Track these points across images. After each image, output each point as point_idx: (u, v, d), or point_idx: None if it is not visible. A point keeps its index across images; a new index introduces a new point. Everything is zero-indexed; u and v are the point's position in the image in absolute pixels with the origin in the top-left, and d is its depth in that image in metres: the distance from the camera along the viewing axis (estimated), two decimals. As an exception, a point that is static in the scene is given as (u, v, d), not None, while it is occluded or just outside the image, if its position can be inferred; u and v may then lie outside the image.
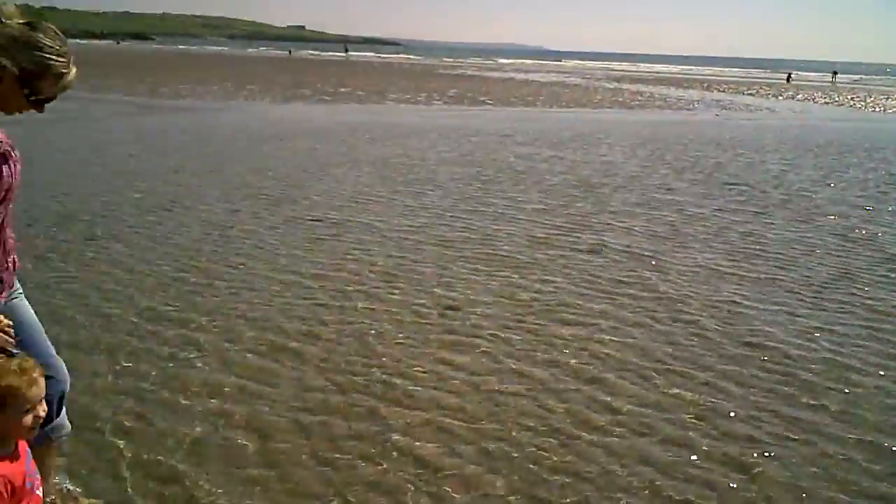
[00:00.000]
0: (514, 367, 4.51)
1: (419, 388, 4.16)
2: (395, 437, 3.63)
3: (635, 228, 8.11)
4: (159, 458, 3.39)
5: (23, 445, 2.24)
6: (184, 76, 35.18)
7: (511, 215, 8.53)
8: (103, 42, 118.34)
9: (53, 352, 2.80)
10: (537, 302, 5.62)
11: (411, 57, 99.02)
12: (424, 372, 4.38)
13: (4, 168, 2.42)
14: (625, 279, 6.28)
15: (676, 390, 4.25)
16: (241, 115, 19.57)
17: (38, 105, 2.42)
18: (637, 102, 32.51)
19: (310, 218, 8.00)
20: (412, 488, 3.24)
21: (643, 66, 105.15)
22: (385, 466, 3.39)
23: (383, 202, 8.99)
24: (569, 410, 3.97)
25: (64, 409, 2.84)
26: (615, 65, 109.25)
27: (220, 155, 12.26)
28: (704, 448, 3.64)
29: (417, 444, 3.59)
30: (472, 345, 4.79)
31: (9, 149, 2.48)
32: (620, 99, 34.27)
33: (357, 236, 7.31)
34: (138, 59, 54.58)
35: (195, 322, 4.95)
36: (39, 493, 2.29)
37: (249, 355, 4.49)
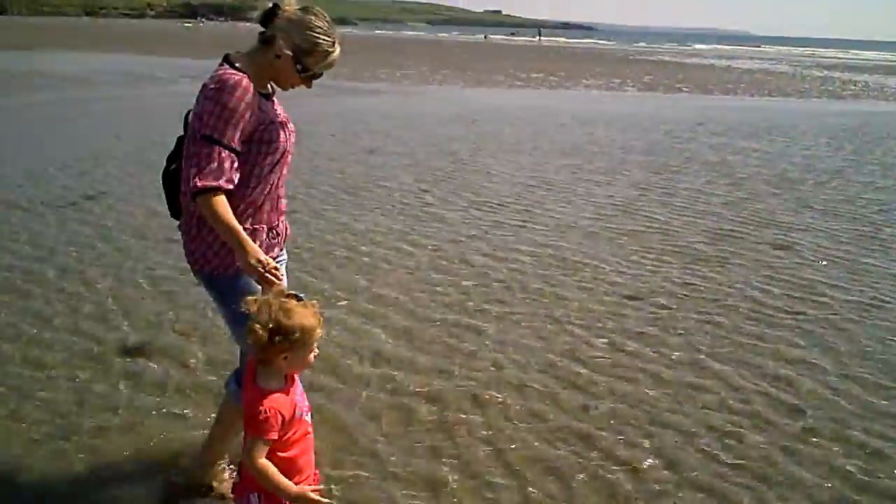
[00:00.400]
0: (696, 358, 4.49)
1: (595, 374, 4.26)
2: (569, 420, 3.77)
3: (834, 229, 7.62)
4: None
5: (294, 378, 2.44)
6: (383, 60, 36.84)
7: (698, 208, 8.32)
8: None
9: None
10: (719, 295, 5.52)
11: (603, 42, 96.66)
12: (603, 358, 4.47)
13: (281, 133, 2.75)
14: (821, 279, 5.98)
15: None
16: (433, 99, 20.31)
17: (308, 81, 2.75)
18: (849, 92, 29.86)
19: (496, 203, 8.26)
20: (581, 471, 3.36)
21: (854, 53, 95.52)
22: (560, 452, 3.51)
23: (568, 190, 9.07)
24: (752, 412, 3.91)
25: None
26: (822, 51, 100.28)
27: (411, 137, 12.83)
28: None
29: (590, 427, 3.70)
30: (649, 334, 4.82)
31: (284, 119, 2.81)
32: (830, 88, 31.62)
33: (539, 222, 7.47)
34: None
35: (385, 296, 5.37)
36: (308, 418, 2.49)
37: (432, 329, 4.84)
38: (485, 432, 3.60)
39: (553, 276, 5.85)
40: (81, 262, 5.73)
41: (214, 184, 2.55)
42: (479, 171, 9.98)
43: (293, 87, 2.79)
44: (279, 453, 2.34)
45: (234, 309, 2.50)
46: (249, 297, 2.32)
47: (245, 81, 2.60)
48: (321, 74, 2.76)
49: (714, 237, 7.13)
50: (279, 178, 2.82)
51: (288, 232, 3.01)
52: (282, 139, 2.75)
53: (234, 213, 2.63)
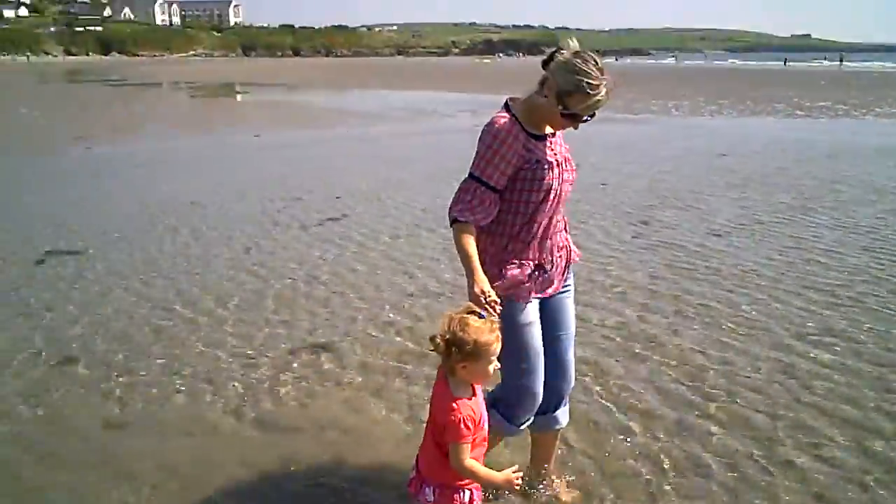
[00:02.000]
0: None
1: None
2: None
3: None
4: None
5: (475, 389, 2.62)
6: (657, 90, 36.51)
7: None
8: (605, 59, 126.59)
9: (570, 355, 3.17)
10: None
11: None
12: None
13: (549, 173, 2.85)
14: None
15: None
16: (694, 129, 19.91)
17: (571, 121, 2.81)
18: None
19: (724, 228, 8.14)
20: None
21: None
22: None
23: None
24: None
25: (564, 407, 3.23)
26: None
27: (647, 164, 12.79)
28: None
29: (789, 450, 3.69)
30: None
31: (561, 159, 2.92)
32: None
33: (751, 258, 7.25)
34: (624, 74, 57.45)
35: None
36: (485, 429, 2.65)
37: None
38: None
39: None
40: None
41: (464, 218, 2.79)
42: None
43: (563, 129, 2.91)
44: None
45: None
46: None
47: (507, 123, 2.79)
48: (587, 117, 2.80)
49: None
50: (550, 217, 2.94)
51: (569, 263, 3.12)
52: (547, 178, 2.85)
53: (499, 249, 2.91)
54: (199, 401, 4.29)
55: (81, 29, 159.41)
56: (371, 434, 3.91)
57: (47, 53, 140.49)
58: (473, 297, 2.65)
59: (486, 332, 2.48)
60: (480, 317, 2.53)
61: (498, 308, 2.64)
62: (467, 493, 2.62)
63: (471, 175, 2.82)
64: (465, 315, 2.51)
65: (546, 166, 2.83)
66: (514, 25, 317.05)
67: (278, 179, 11.68)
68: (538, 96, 2.79)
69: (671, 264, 6.94)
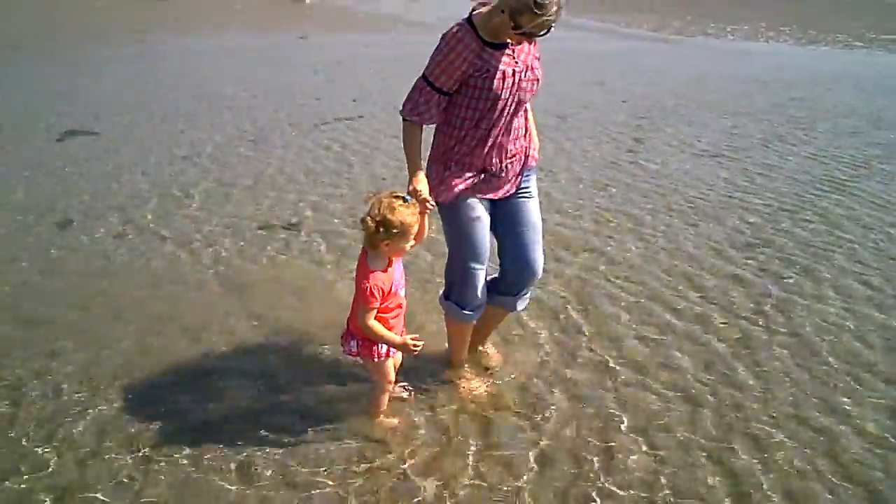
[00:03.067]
0: None
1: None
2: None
3: None
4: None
5: (392, 261, 3.01)
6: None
7: None
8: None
9: (532, 252, 3.33)
10: None
11: None
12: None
13: (498, 82, 2.95)
14: None
15: None
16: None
17: (524, 37, 2.89)
18: None
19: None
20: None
21: None
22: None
23: None
24: None
25: (525, 296, 3.49)
26: None
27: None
28: None
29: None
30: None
31: (518, 69, 2.99)
32: None
33: None
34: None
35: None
36: (402, 293, 3.10)
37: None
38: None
39: None
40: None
41: (411, 118, 3.02)
42: None
43: (519, 43, 2.99)
44: (379, 315, 3.01)
45: (445, 232, 3.22)
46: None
47: (460, 32, 2.91)
48: (538, 33, 2.86)
49: None
50: (500, 123, 3.06)
51: (525, 168, 3.27)
52: (496, 87, 2.94)
53: (446, 148, 3.09)
54: (178, 261, 5.28)
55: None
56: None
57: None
58: (410, 192, 2.96)
59: (409, 215, 2.87)
60: (405, 200, 2.88)
61: (429, 205, 2.97)
62: (384, 346, 3.14)
63: (423, 76, 3.00)
64: (392, 199, 2.86)
65: (497, 76, 2.94)
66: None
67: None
68: (496, 11, 2.87)
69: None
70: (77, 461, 3.21)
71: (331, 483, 3.10)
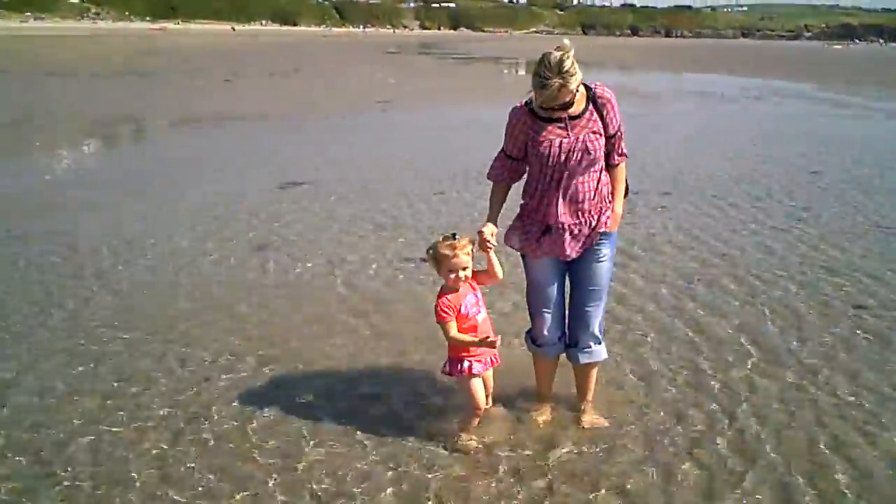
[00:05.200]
0: None
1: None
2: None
3: None
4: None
5: (464, 290, 3.49)
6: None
7: None
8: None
9: (585, 313, 3.67)
10: None
11: None
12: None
13: (547, 150, 3.37)
14: None
15: None
16: None
17: (552, 111, 3.30)
18: None
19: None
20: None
21: None
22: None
23: None
24: None
25: (585, 350, 3.73)
26: None
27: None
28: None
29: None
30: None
31: (568, 140, 3.35)
32: None
33: None
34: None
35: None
36: (479, 319, 3.54)
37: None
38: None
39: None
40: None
41: (491, 179, 3.64)
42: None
43: (556, 115, 3.34)
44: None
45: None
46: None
47: (516, 111, 3.45)
48: (551, 108, 3.29)
49: None
50: (552, 186, 3.44)
51: (595, 231, 3.52)
52: (542, 150, 3.37)
53: (522, 204, 3.60)
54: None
55: (437, 5, 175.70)
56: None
57: (405, 27, 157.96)
58: (478, 234, 3.47)
59: (447, 248, 3.41)
60: (453, 238, 3.44)
61: (488, 244, 3.42)
62: (466, 362, 3.53)
63: (502, 147, 3.61)
64: (442, 237, 3.49)
65: (544, 144, 3.37)
66: (882, 9, 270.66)
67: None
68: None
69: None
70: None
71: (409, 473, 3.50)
